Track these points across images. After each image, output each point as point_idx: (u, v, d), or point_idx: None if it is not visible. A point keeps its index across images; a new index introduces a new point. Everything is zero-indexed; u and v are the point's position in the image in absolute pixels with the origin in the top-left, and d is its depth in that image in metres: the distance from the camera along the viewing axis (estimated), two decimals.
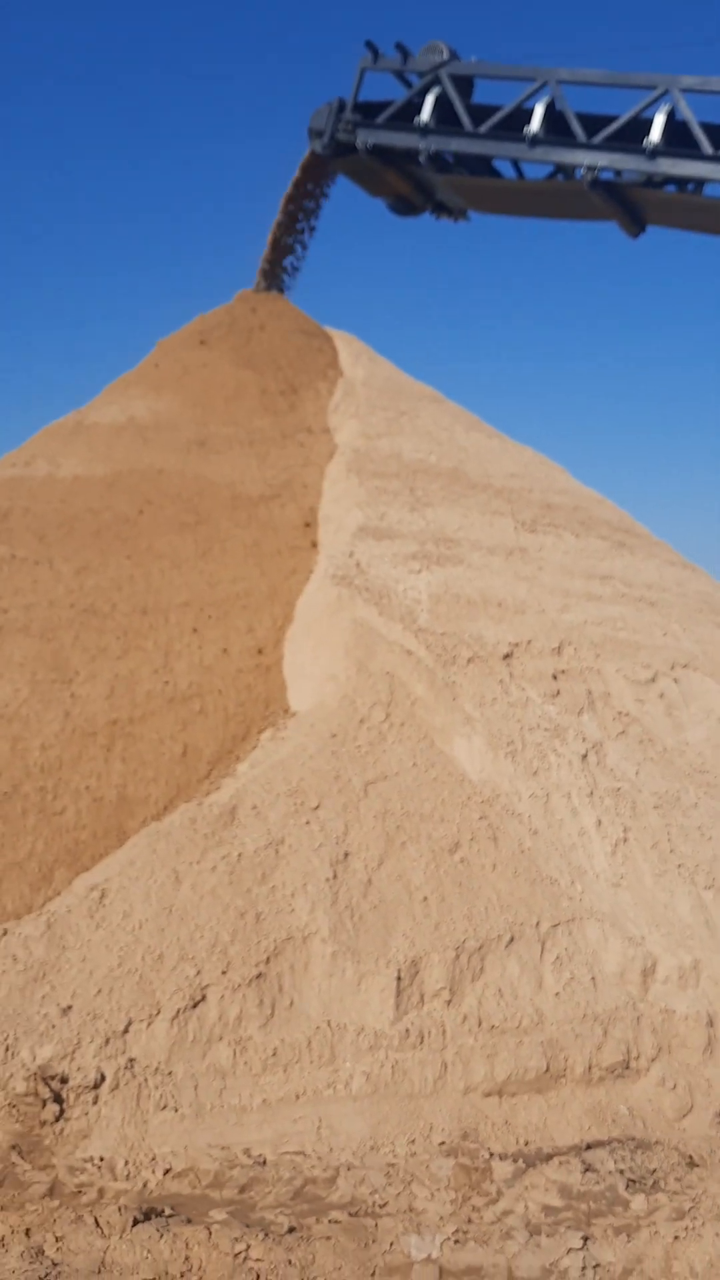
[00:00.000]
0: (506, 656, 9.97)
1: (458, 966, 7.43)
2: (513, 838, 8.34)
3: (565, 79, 10.28)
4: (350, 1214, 5.73)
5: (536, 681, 9.75)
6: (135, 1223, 5.46)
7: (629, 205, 10.22)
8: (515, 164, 11.23)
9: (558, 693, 9.66)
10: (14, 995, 7.12)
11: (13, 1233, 5.44)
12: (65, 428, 13.70)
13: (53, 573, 11.10)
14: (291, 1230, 5.47)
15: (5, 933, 7.58)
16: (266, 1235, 5.42)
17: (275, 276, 15.29)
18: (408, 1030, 7.19)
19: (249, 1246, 5.33)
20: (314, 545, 11.74)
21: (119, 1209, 5.48)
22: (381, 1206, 5.85)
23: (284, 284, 15.41)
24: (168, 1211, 5.69)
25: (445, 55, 11.04)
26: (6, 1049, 6.75)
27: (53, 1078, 6.58)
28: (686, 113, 9.65)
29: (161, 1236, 5.40)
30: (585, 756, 9.03)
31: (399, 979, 7.32)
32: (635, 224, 10.92)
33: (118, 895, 7.74)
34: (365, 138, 11.77)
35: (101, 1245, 5.36)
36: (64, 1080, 6.59)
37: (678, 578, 12.31)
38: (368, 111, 11.79)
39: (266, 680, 10.19)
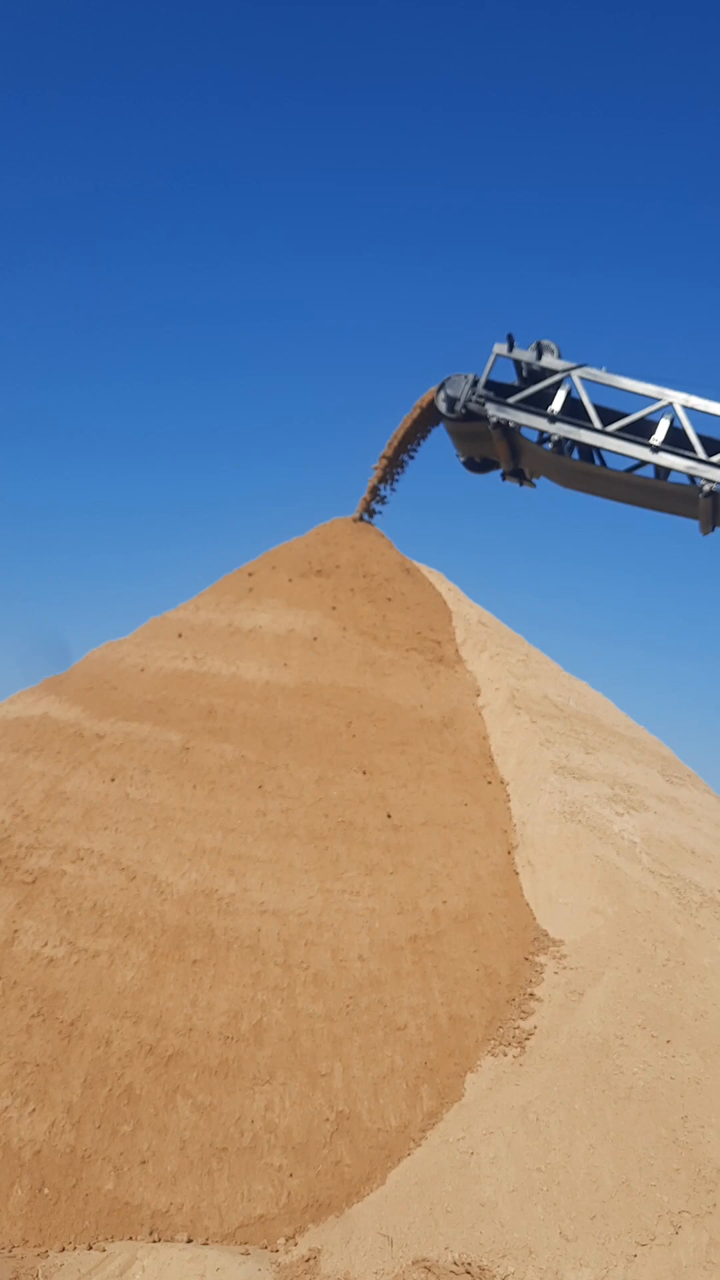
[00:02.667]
0: None
1: None
2: None
3: (686, 403, 12.50)
4: None
5: None
6: None
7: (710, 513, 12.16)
8: (598, 452, 13.13)
9: None
10: (519, 1216, 7.62)
11: None
12: (215, 628, 14.22)
13: (293, 780, 11.62)
14: None
15: (473, 1154, 8.04)
16: None
17: (368, 507, 16.69)
18: None
19: None
20: (494, 774, 12.87)
21: None
22: None
23: (373, 515, 16.82)
24: None
25: (557, 353, 13.04)
26: (556, 1273, 7.26)
27: None
28: None
29: None
30: None
31: None
32: (710, 526, 12.83)
33: (552, 1119, 8.40)
34: (496, 412, 13.63)
35: None
36: None
37: None
38: (494, 388, 13.64)
39: (518, 905, 11.12)
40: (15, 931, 9.74)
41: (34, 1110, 8.34)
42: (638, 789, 12.82)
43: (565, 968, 10.38)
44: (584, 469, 13.70)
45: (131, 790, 11.31)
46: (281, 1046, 9.11)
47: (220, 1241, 7.83)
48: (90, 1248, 7.56)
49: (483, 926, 10.71)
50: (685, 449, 12.64)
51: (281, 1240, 7.93)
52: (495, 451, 14.50)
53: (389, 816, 11.42)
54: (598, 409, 13.18)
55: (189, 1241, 7.71)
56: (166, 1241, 7.70)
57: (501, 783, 12.84)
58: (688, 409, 12.56)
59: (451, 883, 11.01)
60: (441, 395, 14.26)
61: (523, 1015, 9.90)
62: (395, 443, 15.90)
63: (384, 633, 14.41)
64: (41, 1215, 7.82)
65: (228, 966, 9.60)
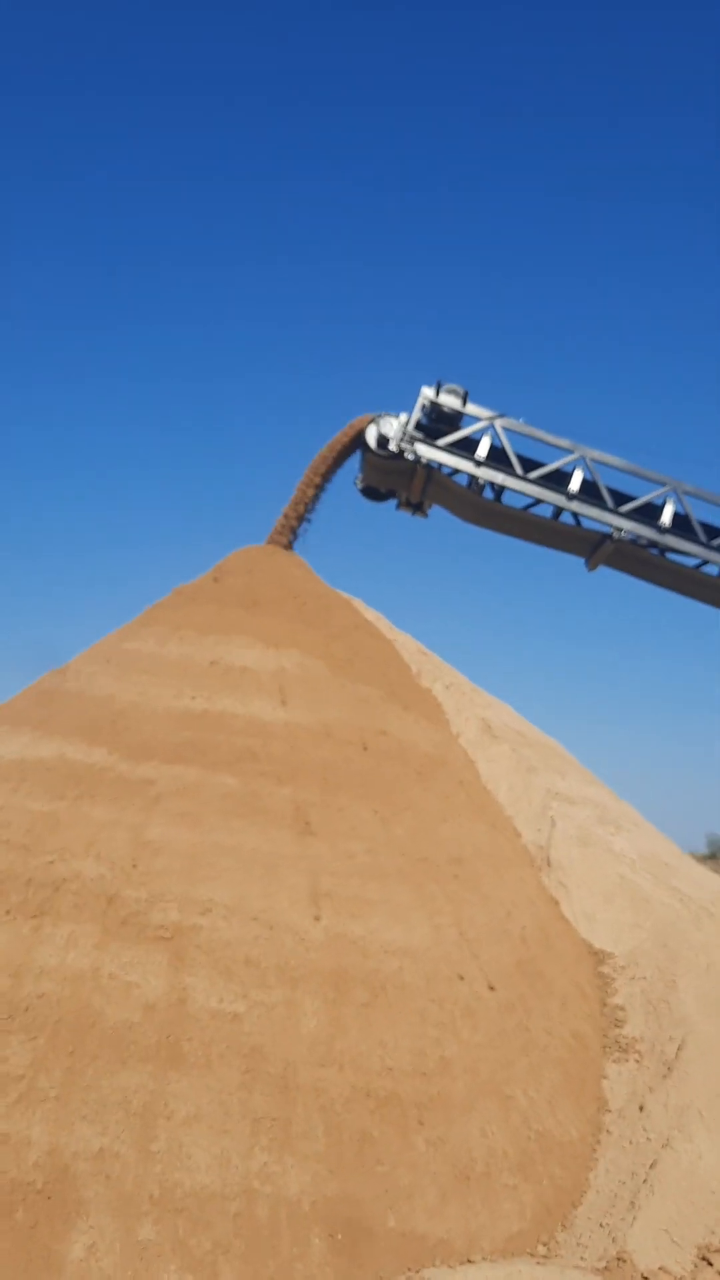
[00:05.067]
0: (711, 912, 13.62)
1: None
2: None
3: (595, 458, 14.86)
4: None
5: None
6: None
7: (608, 556, 14.48)
8: (497, 491, 15.06)
9: None
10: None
11: None
12: (197, 665, 14.42)
13: (361, 821, 12.36)
14: None
15: (681, 1151, 9.48)
16: None
17: (292, 534, 17.36)
18: None
19: None
20: (495, 802, 14.25)
21: None
22: None
23: (294, 542, 17.48)
24: None
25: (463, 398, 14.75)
26: None
27: None
28: (687, 507, 14.64)
29: None
30: None
31: None
32: (596, 564, 15.18)
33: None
34: (425, 452, 15.43)
35: None
36: None
37: None
38: (422, 429, 15.27)
39: (565, 925, 12.62)
40: (185, 989, 9.83)
41: (292, 1165, 8.70)
42: (609, 809, 14.64)
43: (632, 978, 11.95)
44: (494, 508, 15.43)
45: (221, 838, 11.50)
46: (468, 1077, 9.97)
47: (501, 1259, 8.67)
48: (404, 1277, 8.15)
49: (557, 946, 12.02)
50: (596, 498, 14.72)
51: (541, 1248, 8.90)
52: (408, 485, 15.91)
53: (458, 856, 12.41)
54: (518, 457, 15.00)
55: (484, 1260, 8.48)
56: (465, 1264, 8.44)
57: (502, 810, 14.15)
58: (596, 463, 14.62)
59: (519, 909, 12.22)
60: (374, 432, 15.43)
61: (617, 1024, 11.35)
62: (324, 469, 16.70)
63: (358, 669, 15.19)
64: (345, 1259, 8.28)
65: (392, 1007, 10.27)
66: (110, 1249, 8.00)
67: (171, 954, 10.13)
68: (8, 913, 10.35)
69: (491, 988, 10.86)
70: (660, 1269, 8.17)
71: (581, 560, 15.74)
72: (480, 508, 15.48)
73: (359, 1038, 9.84)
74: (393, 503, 17.22)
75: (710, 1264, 8.17)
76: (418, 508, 16.88)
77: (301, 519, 17.09)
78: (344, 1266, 8.25)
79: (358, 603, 17.78)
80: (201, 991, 9.82)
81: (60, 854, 10.94)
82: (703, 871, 15.35)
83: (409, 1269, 8.34)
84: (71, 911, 10.36)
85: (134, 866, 10.92)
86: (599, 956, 12.38)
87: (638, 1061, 10.76)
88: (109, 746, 12.64)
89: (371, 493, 16.92)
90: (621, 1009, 11.57)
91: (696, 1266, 8.20)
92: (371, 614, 17.62)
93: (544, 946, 11.80)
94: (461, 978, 10.82)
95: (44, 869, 10.76)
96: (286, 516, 17.08)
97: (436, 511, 16.65)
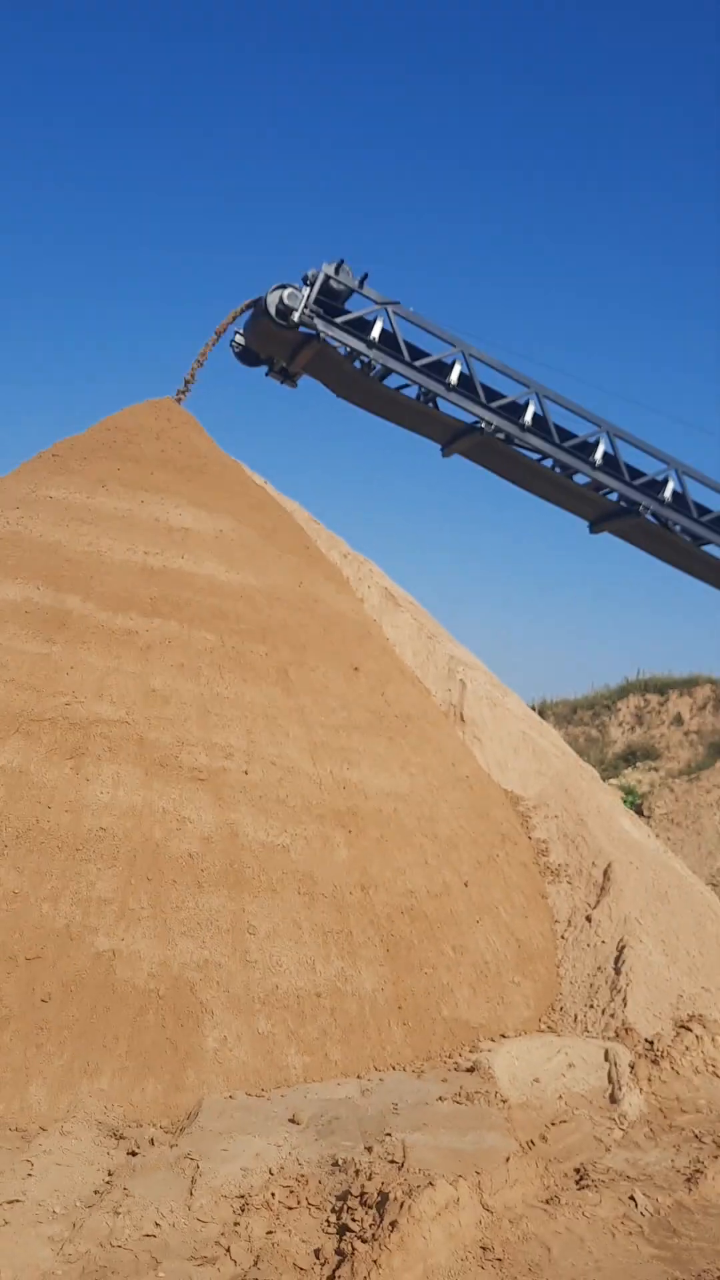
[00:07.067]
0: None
1: None
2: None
3: (473, 354, 16.88)
4: None
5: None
6: None
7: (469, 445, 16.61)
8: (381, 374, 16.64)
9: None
10: (683, 976, 11.76)
11: None
12: (140, 521, 14.95)
13: (332, 679, 13.68)
14: None
15: (637, 943, 11.89)
16: None
17: (187, 393, 17.88)
18: None
19: None
20: (407, 668, 15.98)
21: None
22: None
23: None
24: None
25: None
26: None
27: None
28: (545, 410, 16.99)
29: None
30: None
31: None
32: (450, 452, 17.24)
33: (655, 912, 12.52)
34: (325, 329, 16.78)
35: None
36: None
37: None
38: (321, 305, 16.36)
39: (485, 773, 14.71)
40: (233, 824, 10.91)
41: (363, 968, 10.23)
42: (491, 673, 16.70)
43: (545, 816, 14.20)
44: (373, 388, 16.83)
45: (220, 690, 12.41)
46: (465, 898, 11.76)
47: (526, 1035, 10.71)
48: (472, 1050, 10.01)
49: (489, 791, 14.02)
50: (471, 391, 16.52)
51: (545, 1026, 11.00)
52: (290, 356, 16.98)
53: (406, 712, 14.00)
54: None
55: (518, 1037, 10.49)
56: (504, 1039, 10.40)
57: (414, 673, 15.84)
58: (473, 358, 16.40)
59: (460, 759, 14.06)
60: (276, 301, 16.24)
61: (544, 854, 13.58)
62: (217, 334, 17.26)
63: (282, 538, 16.14)
64: (420, 1040, 9.95)
65: (398, 840, 11.85)
66: (239, 1040, 9.18)
67: (211, 793, 11.08)
68: (46, 753, 10.84)
69: (464, 823, 12.62)
70: (656, 1034, 10.44)
71: (436, 446, 17.15)
72: (359, 386, 16.45)
73: (382, 865, 11.32)
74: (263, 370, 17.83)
75: (689, 1029, 10.52)
76: (289, 377, 17.57)
77: (193, 379, 17.52)
78: (420, 1045, 9.90)
79: (244, 467, 18.45)
80: (249, 826, 10.89)
81: (73, 696, 11.44)
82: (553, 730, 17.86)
83: (467, 1045, 10.13)
84: (108, 754, 11.01)
85: (149, 712, 11.63)
86: (513, 799, 14.46)
87: (569, 883, 12.96)
88: (81, 595, 12.99)
89: (247, 357, 17.41)
90: (544, 841, 13.74)
91: (678, 1033, 10.54)
92: (259, 479, 18.38)
93: (483, 792, 13.69)
94: (440, 818, 12.49)
95: (62, 710, 11.26)
96: (191, 376, 17.44)
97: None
